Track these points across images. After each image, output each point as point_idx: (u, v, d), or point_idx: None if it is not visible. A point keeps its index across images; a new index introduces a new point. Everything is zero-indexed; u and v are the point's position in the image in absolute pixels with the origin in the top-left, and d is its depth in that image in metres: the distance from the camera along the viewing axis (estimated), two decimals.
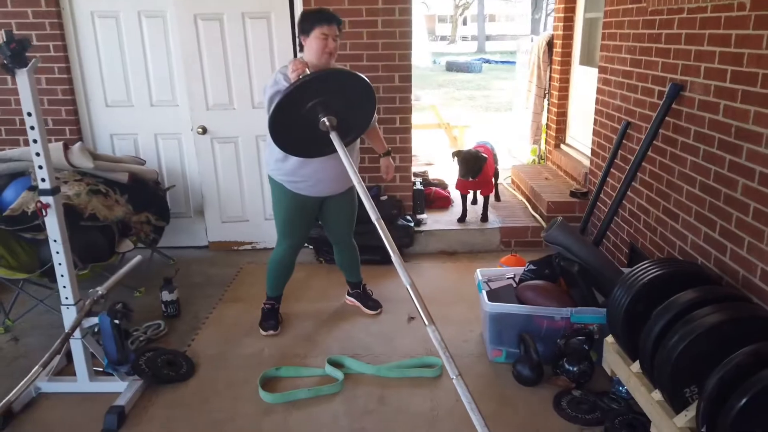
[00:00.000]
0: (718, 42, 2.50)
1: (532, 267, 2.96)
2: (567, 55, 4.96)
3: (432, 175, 5.19)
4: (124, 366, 2.57)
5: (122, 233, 3.49)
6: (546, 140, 5.43)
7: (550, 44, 5.16)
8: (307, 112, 2.37)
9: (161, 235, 3.79)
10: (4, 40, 2.12)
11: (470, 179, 4.19)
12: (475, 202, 4.59)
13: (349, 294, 3.43)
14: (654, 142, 3.04)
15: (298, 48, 3.81)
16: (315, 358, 2.87)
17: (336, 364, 2.78)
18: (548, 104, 5.34)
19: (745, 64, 2.32)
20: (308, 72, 2.47)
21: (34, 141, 2.24)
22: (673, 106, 2.87)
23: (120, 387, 2.57)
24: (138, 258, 2.93)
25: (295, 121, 2.40)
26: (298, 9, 3.81)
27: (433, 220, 4.41)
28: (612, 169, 3.58)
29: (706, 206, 2.61)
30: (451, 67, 22.46)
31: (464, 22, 45.49)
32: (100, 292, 2.56)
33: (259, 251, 4.23)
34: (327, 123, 2.37)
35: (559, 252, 2.91)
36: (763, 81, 2.21)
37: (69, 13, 3.91)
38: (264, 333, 3.09)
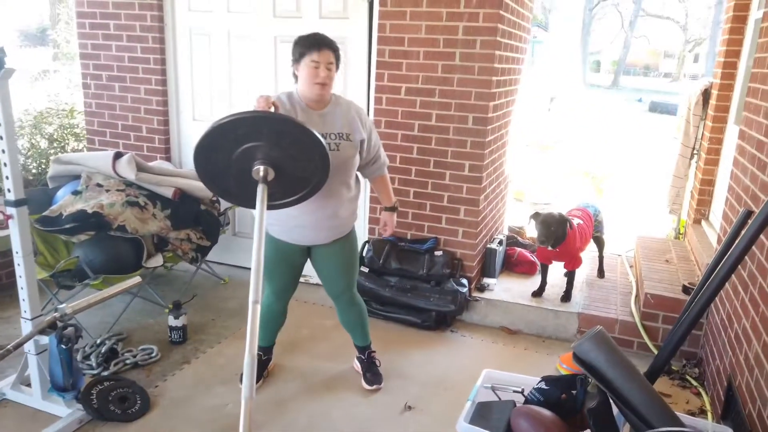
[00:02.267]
0: None
1: (543, 386, 2.22)
2: (723, 110, 3.90)
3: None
4: (70, 393, 2.47)
5: (158, 248, 3.48)
6: (688, 212, 4.35)
7: (707, 95, 4.13)
8: (241, 157, 2.01)
9: (205, 253, 3.72)
10: None
11: (549, 248, 3.45)
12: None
13: (357, 357, 2.98)
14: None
15: (374, 76, 3.54)
16: (270, 430, 2.49)
17: None
18: (695, 168, 4.27)
19: None
20: (272, 111, 2.14)
21: (3, 151, 2.23)
22: None
23: (63, 412, 2.47)
24: (136, 279, 2.83)
25: (226, 167, 2.05)
26: (375, 35, 3.50)
27: (503, 288, 3.74)
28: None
29: None
30: (656, 107, 20.15)
31: (695, 60, 41.05)
32: (66, 311, 2.49)
33: (310, 286, 3.95)
34: (261, 173, 1.99)
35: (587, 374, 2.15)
36: None
37: (171, 29, 4.07)
38: (239, 384, 2.80)
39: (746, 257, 2.25)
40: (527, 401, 2.24)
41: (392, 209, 2.80)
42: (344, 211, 2.57)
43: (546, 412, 2.11)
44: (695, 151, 4.26)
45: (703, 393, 2.88)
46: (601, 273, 3.97)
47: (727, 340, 2.64)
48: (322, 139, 2.08)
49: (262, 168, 1.99)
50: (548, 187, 6.46)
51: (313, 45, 2.35)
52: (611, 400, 2.10)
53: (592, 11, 34.05)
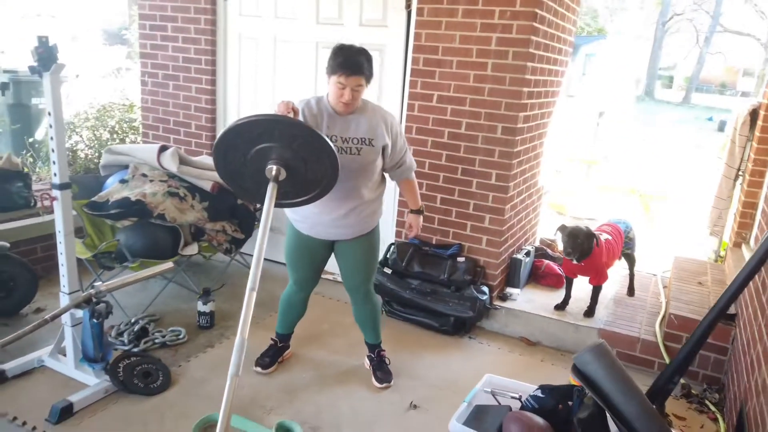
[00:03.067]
0: None
1: (539, 394, 2.24)
2: None
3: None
4: (99, 364, 2.67)
5: (194, 237, 3.68)
6: (730, 235, 4.20)
7: (754, 115, 3.99)
8: (256, 156, 2.18)
9: (240, 245, 3.89)
10: (36, 45, 2.36)
11: (574, 261, 3.43)
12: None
13: (367, 356, 3.06)
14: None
15: (408, 83, 3.63)
16: (279, 416, 2.61)
17: (287, 431, 2.49)
18: (740, 191, 4.12)
19: None
20: (290, 116, 2.28)
21: (51, 138, 2.46)
22: None
23: (92, 381, 2.68)
24: (168, 265, 3.00)
25: (242, 165, 2.22)
26: (411, 44, 3.59)
27: (527, 299, 3.73)
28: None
29: None
30: (724, 127, 19.25)
31: None
32: (101, 289, 2.70)
33: (338, 284, 4.06)
34: (273, 173, 2.16)
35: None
36: None
37: (223, 32, 4.30)
38: (253, 368, 2.94)
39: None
40: (522, 407, 2.27)
41: (418, 212, 2.87)
42: (364, 211, 2.67)
43: (538, 419, 2.14)
44: (740, 173, 4.12)
45: (720, 419, 2.80)
46: (631, 291, 3.90)
47: (744, 366, 2.57)
48: (331, 145, 2.20)
49: (275, 168, 2.16)
50: (592, 202, 6.35)
51: (345, 68, 2.39)
52: (608, 414, 2.10)
53: (665, 25, 32.96)
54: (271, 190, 2.13)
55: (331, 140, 2.42)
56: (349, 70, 2.39)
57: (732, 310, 3.14)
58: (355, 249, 2.75)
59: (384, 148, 2.63)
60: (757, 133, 3.90)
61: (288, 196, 2.33)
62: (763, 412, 2.05)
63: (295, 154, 2.19)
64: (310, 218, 2.64)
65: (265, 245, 1.97)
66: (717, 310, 2.24)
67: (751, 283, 2.93)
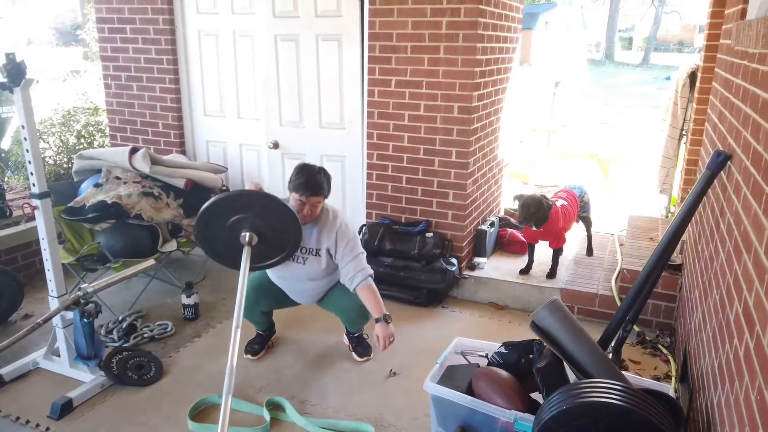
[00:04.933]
0: None
1: (503, 350, 2.47)
2: (708, 92, 4.02)
3: None
4: (93, 361, 2.82)
5: (172, 234, 3.81)
6: (679, 192, 4.48)
7: (693, 77, 4.24)
8: (232, 225, 2.59)
9: None
10: (4, 62, 2.45)
11: (533, 228, 3.66)
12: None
13: (345, 333, 3.26)
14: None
15: (366, 70, 3.78)
16: (267, 394, 2.79)
17: (277, 406, 2.68)
18: (685, 149, 4.40)
19: None
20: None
21: (27, 150, 2.56)
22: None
23: (88, 378, 2.83)
24: (150, 262, 3.15)
25: (219, 231, 2.62)
26: (367, 31, 3.73)
27: (493, 266, 3.97)
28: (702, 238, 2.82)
29: None
30: None
31: None
32: (88, 290, 2.83)
33: None
34: (246, 239, 2.57)
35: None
36: None
37: (181, 31, 4.38)
38: (244, 356, 3.12)
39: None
40: (489, 363, 2.49)
41: (383, 320, 2.78)
42: (323, 288, 3.04)
43: (503, 373, 2.36)
44: (683, 132, 4.39)
45: (671, 360, 3.08)
46: (589, 251, 4.17)
47: (687, 310, 2.84)
48: (297, 217, 2.64)
49: (248, 234, 2.56)
50: (554, 170, 6.61)
51: (306, 189, 2.72)
52: (564, 362, 2.34)
53: None
54: (245, 253, 2.53)
55: None
56: (310, 191, 2.72)
57: (678, 260, 3.41)
58: (329, 298, 3.07)
59: (327, 250, 2.89)
60: (696, 95, 4.15)
61: (254, 260, 2.70)
62: (701, 348, 2.31)
63: (267, 223, 2.61)
64: (288, 289, 3.06)
65: (244, 300, 2.42)
66: (652, 263, 2.48)
67: (690, 233, 3.21)
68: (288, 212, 2.64)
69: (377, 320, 2.80)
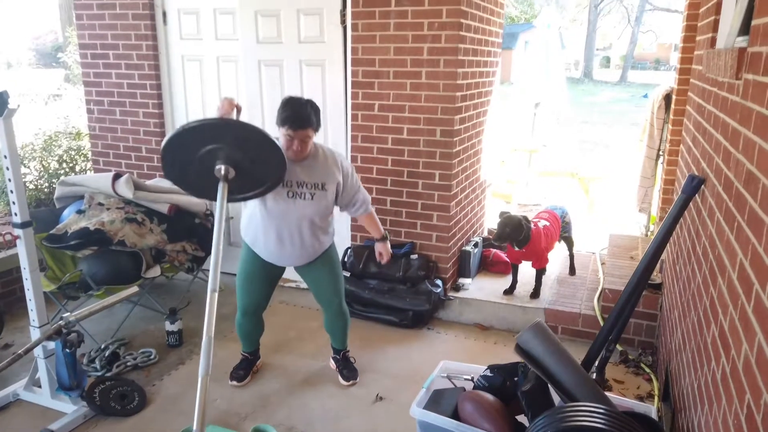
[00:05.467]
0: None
1: (488, 374, 2.49)
2: (682, 113, 4.12)
3: None
4: (75, 391, 2.78)
5: (156, 259, 3.79)
6: (658, 211, 4.57)
7: (668, 99, 4.35)
8: (205, 155, 2.34)
9: (201, 263, 4.03)
10: None
11: (515, 248, 3.71)
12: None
13: (332, 357, 3.26)
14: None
15: (350, 94, 3.83)
16: (253, 422, 2.77)
17: None
18: (662, 169, 4.49)
19: None
20: (233, 117, 2.48)
21: (9, 180, 2.55)
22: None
23: (70, 409, 2.79)
24: (133, 289, 3.13)
25: (191, 162, 2.37)
26: (350, 57, 3.78)
27: (478, 287, 4.00)
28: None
29: None
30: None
31: None
32: (70, 319, 2.80)
33: (302, 291, 4.25)
34: (222, 172, 2.33)
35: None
36: None
37: (165, 57, 4.40)
38: (229, 383, 3.09)
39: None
40: (475, 387, 2.51)
41: (383, 239, 3.04)
42: (314, 243, 2.86)
43: (489, 396, 2.38)
44: (660, 153, 4.49)
45: (653, 378, 3.12)
46: (572, 271, 4.22)
47: (668, 329, 2.89)
48: (279, 144, 2.44)
49: (223, 167, 2.33)
50: (536, 189, 6.70)
51: (292, 121, 2.56)
52: (549, 384, 2.36)
53: (598, 8, 34.14)
54: (221, 189, 2.31)
55: (285, 185, 2.68)
56: (297, 123, 2.57)
57: (658, 279, 3.47)
58: (315, 270, 2.96)
59: (336, 186, 2.81)
60: (671, 116, 4.26)
61: (232, 193, 2.48)
62: (682, 368, 2.35)
63: (244, 154, 2.36)
64: (267, 245, 2.83)
65: (221, 245, 2.15)
66: (632, 284, 2.53)
67: (668, 253, 3.27)
68: (268, 141, 2.39)
69: (378, 240, 3.04)
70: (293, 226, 2.76)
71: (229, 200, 2.46)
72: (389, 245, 3.10)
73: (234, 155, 2.35)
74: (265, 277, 2.95)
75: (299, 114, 2.57)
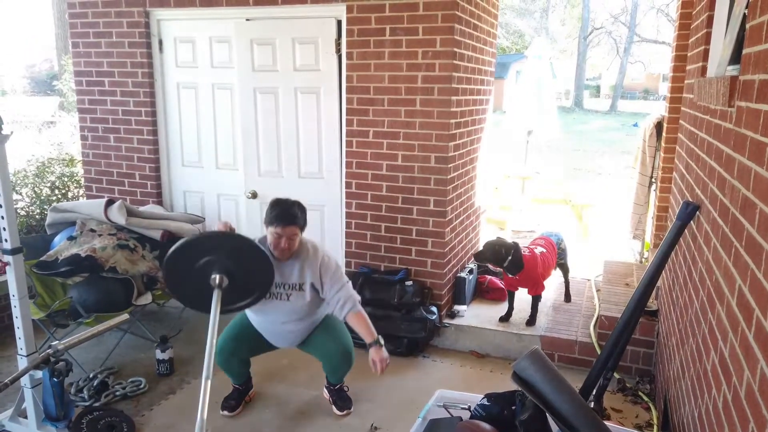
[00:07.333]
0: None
1: (485, 402, 2.45)
2: (674, 141, 4.17)
3: None
4: (62, 422, 2.71)
5: (147, 286, 3.75)
6: (652, 238, 4.58)
7: (659, 127, 4.40)
8: (202, 267, 2.49)
9: None
10: None
11: (509, 275, 3.69)
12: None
13: (325, 386, 3.20)
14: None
15: (344, 121, 3.85)
16: None
17: None
18: (655, 196, 4.52)
19: None
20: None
21: (0, 206, 2.52)
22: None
23: None
24: (123, 317, 3.07)
25: (189, 273, 2.52)
26: (345, 85, 3.81)
27: (473, 314, 3.97)
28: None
29: None
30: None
31: None
32: (58, 348, 2.74)
33: None
34: (217, 281, 2.46)
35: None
36: None
37: (160, 84, 4.41)
38: (221, 413, 3.03)
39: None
40: (472, 416, 2.46)
41: (376, 344, 2.79)
42: (303, 328, 2.98)
43: (486, 426, 2.33)
44: (653, 180, 4.52)
45: (652, 407, 3.08)
46: (567, 297, 4.20)
47: (665, 357, 2.86)
48: (269, 257, 2.62)
49: (218, 276, 2.46)
50: (529, 215, 6.72)
51: (280, 220, 2.71)
52: (547, 414, 2.32)
53: (587, 39, 34.83)
54: (216, 297, 2.43)
55: None
56: (285, 222, 2.71)
57: (654, 306, 3.46)
58: (311, 340, 3.01)
59: (314, 285, 2.88)
60: (663, 144, 4.30)
61: (227, 303, 2.60)
62: (680, 396, 2.33)
63: (238, 265, 2.52)
64: (264, 329, 2.98)
65: (215, 339, 2.29)
66: (629, 311, 2.51)
67: (664, 279, 3.26)
68: (259, 252, 2.58)
69: (370, 345, 2.79)
70: (278, 323, 2.93)
71: (224, 311, 2.57)
72: (385, 352, 2.79)
73: (228, 265, 2.51)
74: (257, 340, 3.02)
75: (287, 213, 2.73)
